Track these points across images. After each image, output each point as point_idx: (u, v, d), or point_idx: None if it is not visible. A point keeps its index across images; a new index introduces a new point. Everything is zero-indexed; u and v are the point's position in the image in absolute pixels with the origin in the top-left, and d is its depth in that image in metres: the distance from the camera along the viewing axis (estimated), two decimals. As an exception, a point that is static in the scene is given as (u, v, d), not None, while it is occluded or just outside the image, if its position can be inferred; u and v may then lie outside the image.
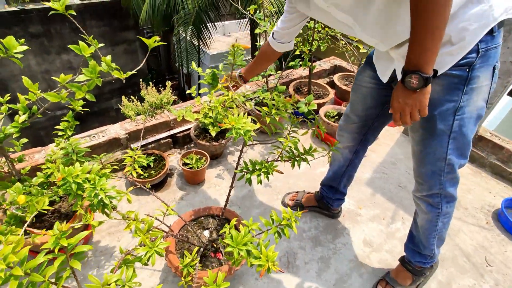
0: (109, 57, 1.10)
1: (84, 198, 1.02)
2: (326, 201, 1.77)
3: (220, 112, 1.29)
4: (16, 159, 1.24)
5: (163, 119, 2.13)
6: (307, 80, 2.59)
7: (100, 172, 1.19)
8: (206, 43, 8.75)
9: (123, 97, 1.75)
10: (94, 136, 1.94)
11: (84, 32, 1.04)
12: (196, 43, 8.88)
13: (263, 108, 1.12)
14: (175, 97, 1.89)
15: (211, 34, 8.59)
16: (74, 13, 0.99)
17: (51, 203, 1.48)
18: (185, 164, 1.94)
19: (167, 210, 1.20)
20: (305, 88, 2.67)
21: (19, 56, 0.87)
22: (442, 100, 1.01)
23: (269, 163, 1.19)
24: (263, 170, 1.17)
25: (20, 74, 8.52)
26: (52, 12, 0.97)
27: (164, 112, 2.15)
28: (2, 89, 8.17)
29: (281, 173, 1.17)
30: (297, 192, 1.92)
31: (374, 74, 1.26)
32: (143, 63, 1.23)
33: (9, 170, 1.25)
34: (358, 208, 1.92)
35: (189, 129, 2.20)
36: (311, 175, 2.12)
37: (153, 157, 1.96)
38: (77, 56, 9.38)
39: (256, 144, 1.20)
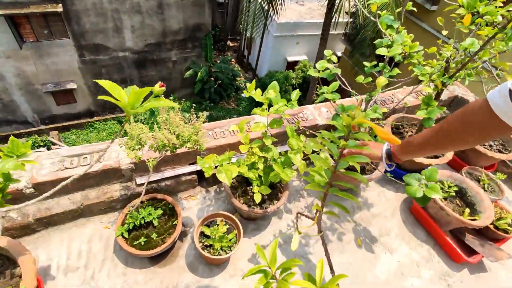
0: None
1: None
2: None
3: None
4: None
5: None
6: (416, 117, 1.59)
7: None
8: (277, 10, 7.68)
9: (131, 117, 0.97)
10: (85, 157, 1.24)
11: None
12: (266, 8, 7.85)
13: None
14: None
15: (283, 1, 7.49)
16: None
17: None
18: (203, 234, 1.18)
19: None
20: (409, 129, 1.67)
21: None
22: None
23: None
24: None
25: (92, 9, 8.24)
26: None
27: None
28: (75, 22, 8.08)
29: None
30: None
31: None
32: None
33: None
34: None
35: (225, 166, 1.41)
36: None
37: (161, 209, 1.23)
38: (147, 1, 8.80)
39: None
